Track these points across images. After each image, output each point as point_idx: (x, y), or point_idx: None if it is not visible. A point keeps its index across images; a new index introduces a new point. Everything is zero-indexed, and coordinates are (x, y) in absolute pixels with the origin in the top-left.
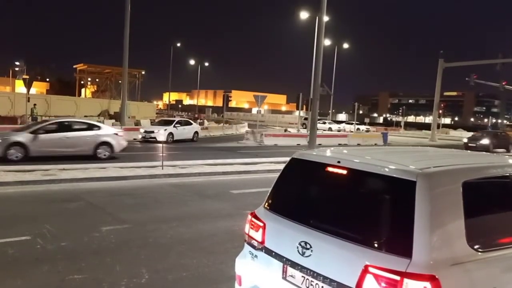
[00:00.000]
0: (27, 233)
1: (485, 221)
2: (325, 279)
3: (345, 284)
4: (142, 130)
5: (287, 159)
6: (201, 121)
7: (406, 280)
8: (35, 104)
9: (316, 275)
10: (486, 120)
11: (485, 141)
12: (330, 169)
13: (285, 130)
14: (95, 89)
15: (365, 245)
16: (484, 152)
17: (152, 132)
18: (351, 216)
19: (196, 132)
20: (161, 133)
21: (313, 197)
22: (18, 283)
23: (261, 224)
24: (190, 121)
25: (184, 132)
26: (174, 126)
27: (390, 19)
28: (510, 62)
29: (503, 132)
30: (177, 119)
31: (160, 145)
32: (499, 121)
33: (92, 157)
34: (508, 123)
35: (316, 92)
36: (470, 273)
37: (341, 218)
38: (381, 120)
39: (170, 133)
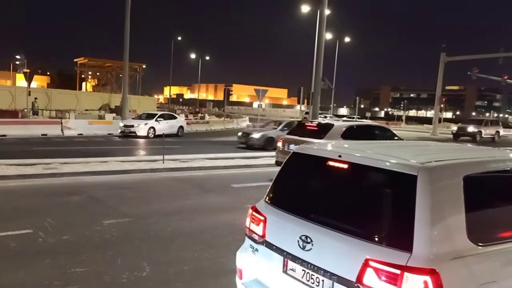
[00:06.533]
0: (29, 227)
1: (486, 215)
2: (325, 273)
3: (345, 278)
4: (121, 124)
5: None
6: (202, 115)
7: (406, 274)
8: (36, 98)
9: (316, 269)
10: (487, 114)
11: None
12: (331, 163)
13: None
14: (96, 83)
15: (365, 239)
16: (485, 147)
17: (132, 126)
18: (352, 210)
19: (181, 127)
20: (141, 127)
21: (314, 191)
22: (20, 275)
23: (262, 218)
24: (174, 114)
25: (167, 126)
26: (156, 120)
27: (392, 12)
28: None
29: None
30: (159, 112)
31: (138, 140)
32: (501, 115)
33: None
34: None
35: (318, 86)
36: (471, 267)
37: (342, 212)
38: (382, 114)
39: (152, 127)
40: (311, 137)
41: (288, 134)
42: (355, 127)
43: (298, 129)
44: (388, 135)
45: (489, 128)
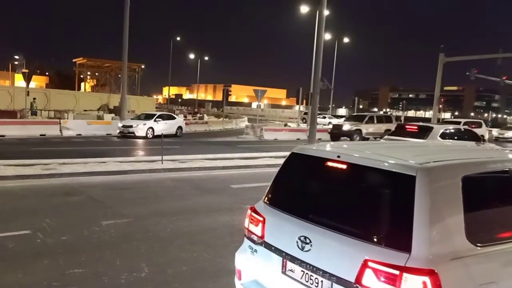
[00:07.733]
0: (27, 227)
1: (484, 215)
2: (324, 274)
3: (344, 279)
4: (120, 125)
5: (287, 153)
6: (201, 115)
7: (405, 275)
8: (34, 98)
9: (315, 270)
10: (486, 114)
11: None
12: (330, 163)
13: (285, 125)
14: (95, 83)
15: (364, 239)
16: (485, 147)
17: (131, 126)
18: (351, 211)
19: (180, 127)
20: (140, 128)
21: (312, 192)
22: (19, 276)
23: (261, 219)
24: (173, 115)
25: (166, 126)
26: (155, 120)
27: (391, 13)
28: (511, 56)
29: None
30: (158, 113)
31: (137, 140)
32: (499, 116)
33: None
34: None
35: (316, 86)
36: (469, 267)
37: (341, 212)
38: None
39: (150, 128)
40: (414, 137)
41: (390, 135)
42: (449, 129)
43: (400, 130)
44: (474, 136)
45: (374, 126)
